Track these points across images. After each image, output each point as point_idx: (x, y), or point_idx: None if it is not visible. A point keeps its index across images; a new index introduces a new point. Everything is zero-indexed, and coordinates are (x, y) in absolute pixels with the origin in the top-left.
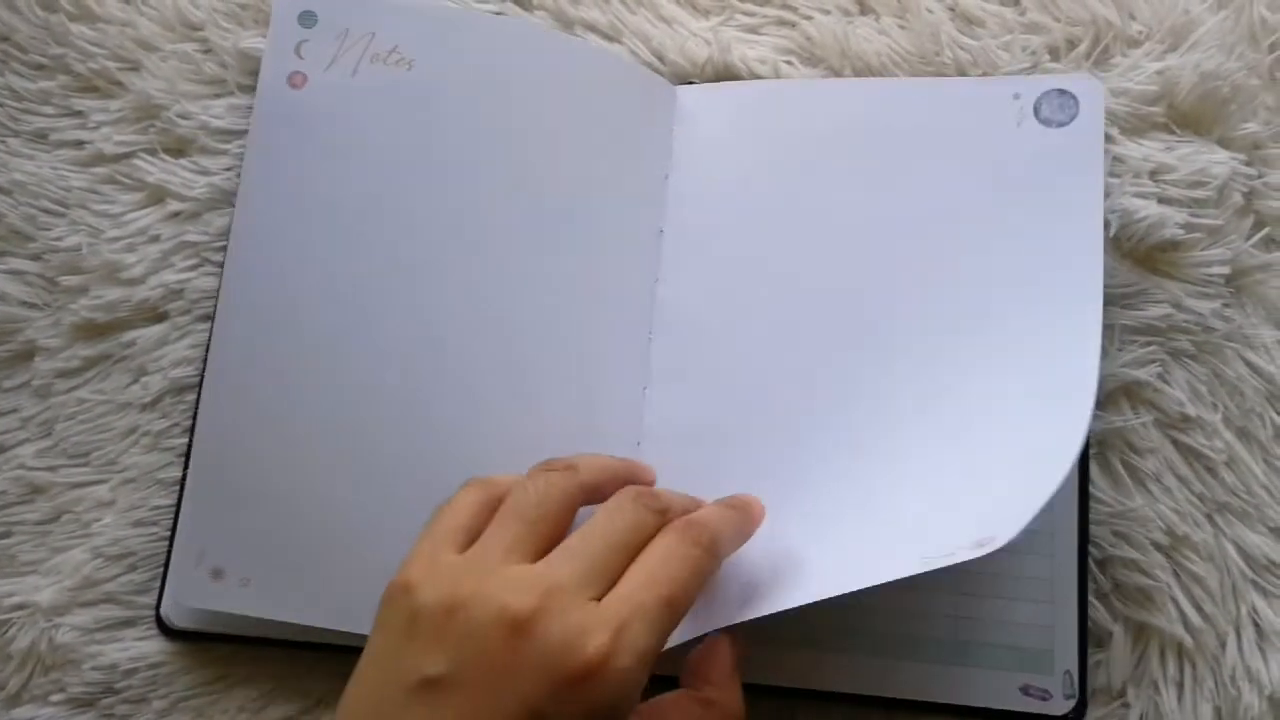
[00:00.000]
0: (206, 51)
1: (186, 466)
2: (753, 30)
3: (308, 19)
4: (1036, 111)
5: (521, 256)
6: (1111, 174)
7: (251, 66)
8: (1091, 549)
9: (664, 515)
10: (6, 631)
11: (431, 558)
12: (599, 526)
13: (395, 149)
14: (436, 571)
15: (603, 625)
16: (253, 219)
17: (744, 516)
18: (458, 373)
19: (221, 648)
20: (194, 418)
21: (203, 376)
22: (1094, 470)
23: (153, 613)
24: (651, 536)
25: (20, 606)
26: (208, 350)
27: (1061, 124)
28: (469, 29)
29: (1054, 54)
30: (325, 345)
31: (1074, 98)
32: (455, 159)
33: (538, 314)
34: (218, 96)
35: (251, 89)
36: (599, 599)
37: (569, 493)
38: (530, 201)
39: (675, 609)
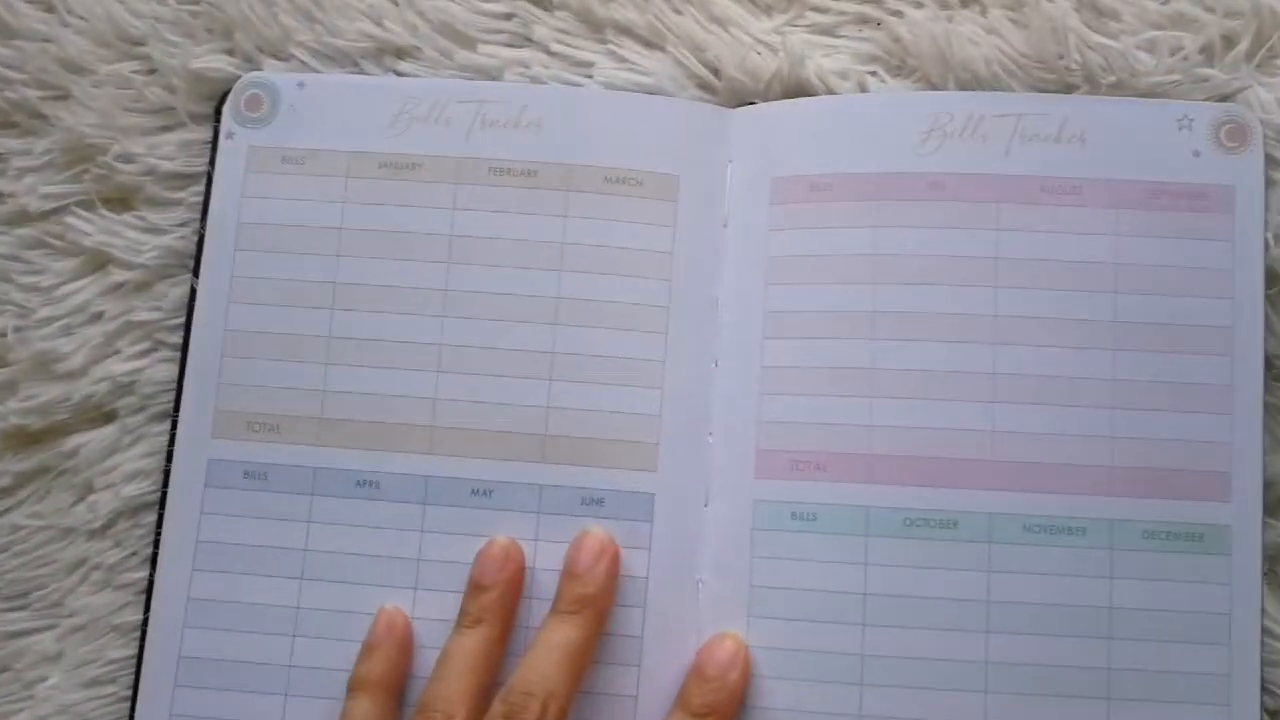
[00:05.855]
0: (150, 73)
1: (148, 610)
2: (828, 32)
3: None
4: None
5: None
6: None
7: (206, 90)
8: (1264, 698)
9: None
10: None
11: None
12: None
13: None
14: None
15: None
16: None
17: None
18: None
19: None
20: (155, 550)
21: (163, 501)
22: (1264, 595)
23: None
24: None
25: None
26: (168, 463)
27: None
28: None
29: (1207, 55)
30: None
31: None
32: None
33: None
34: (166, 130)
35: (207, 118)
36: None
37: None
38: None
39: None
